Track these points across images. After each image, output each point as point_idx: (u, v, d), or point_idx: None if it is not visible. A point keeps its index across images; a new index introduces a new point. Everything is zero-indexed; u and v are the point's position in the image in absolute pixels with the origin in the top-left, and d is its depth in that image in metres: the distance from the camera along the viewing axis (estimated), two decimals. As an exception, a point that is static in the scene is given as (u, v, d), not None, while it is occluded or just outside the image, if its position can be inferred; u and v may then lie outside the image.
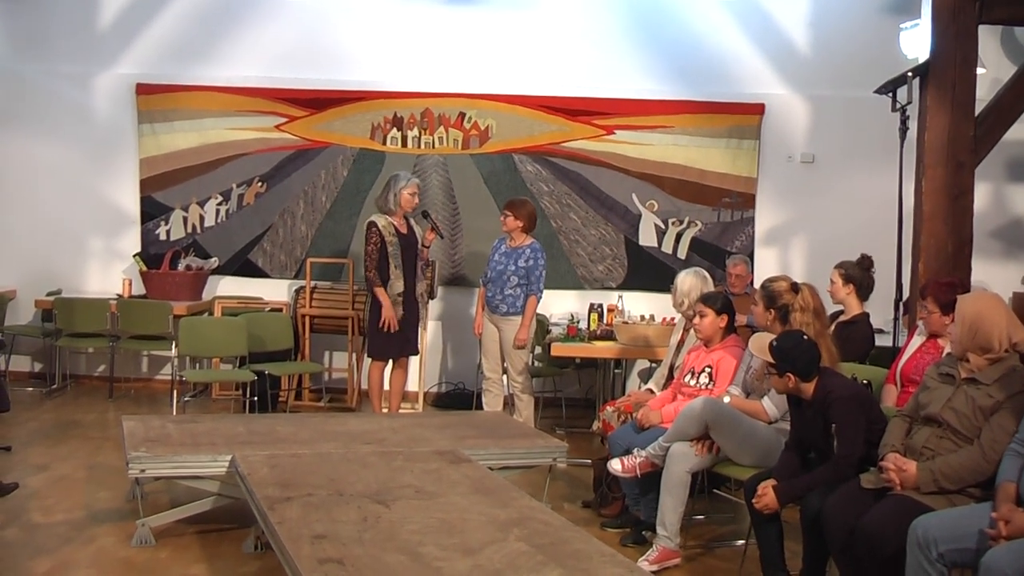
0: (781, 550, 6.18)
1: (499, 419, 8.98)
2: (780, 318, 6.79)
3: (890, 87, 8.40)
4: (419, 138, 12.54)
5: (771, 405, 6.75)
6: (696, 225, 12.40)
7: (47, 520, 7.36)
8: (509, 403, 10.35)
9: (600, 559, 4.77)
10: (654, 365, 9.64)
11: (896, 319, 8.49)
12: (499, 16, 12.41)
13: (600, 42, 12.41)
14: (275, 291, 12.66)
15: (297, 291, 12.12)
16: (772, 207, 12.42)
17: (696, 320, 7.53)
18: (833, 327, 7.76)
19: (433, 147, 12.55)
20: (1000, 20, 8.95)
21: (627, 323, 9.96)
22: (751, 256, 11.99)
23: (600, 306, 10.62)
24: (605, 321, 10.45)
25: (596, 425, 8.41)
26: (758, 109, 12.30)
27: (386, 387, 10.43)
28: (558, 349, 10.03)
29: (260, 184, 12.67)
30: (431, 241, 10.47)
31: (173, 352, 11.02)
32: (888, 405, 6.80)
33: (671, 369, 8.12)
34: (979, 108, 8.26)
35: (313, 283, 11.96)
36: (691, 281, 8.06)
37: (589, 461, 8.74)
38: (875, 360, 7.87)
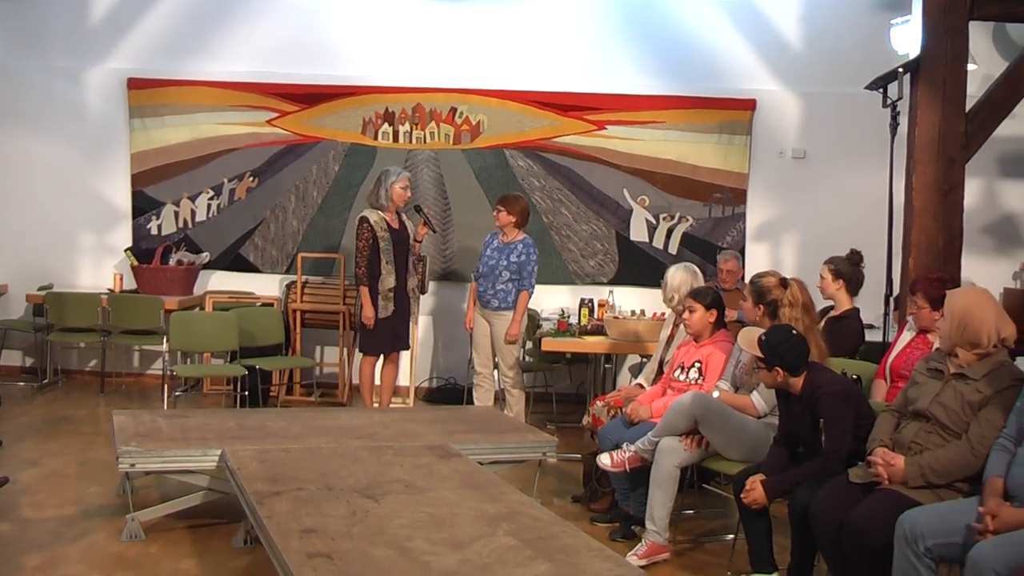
0: (770, 544, 6.20)
1: (489, 414, 8.99)
2: (769, 313, 6.79)
3: (881, 83, 8.40)
4: (410, 133, 12.54)
5: (760, 400, 6.77)
6: (687, 220, 12.40)
7: (38, 515, 7.36)
8: (500, 398, 10.36)
9: (588, 553, 4.78)
10: (644, 360, 9.64)
11: (886, 314, 8.50)
12: (490, 11, 12.40)
13: (592, 38, 12.41)
14: (266, 286, 12.65)
15: (288, 286, 12.12)
16: (763, 203, 12.43)
17: (686, 315, 7.54)
18: (823, 322, 7.78)
19: (424, 142, 12.54)
20: (991, 16, 8.96)
21: (617, 318, 9.95)
22: (742, 251, 12.03)
23: (591, 301, 10.60)
24: (596, 316, 10.44)
25: (586, 420, 8.41)
26: (749, 105, 12.31)
27: (377, 382, 10.44)
28: (549, 344, 10.02)
29: (251, 179, 12.66)
30: (423, 235, 10.49)
31: (164, 347, 11.01)
32: (878, 400, 6.81)
33: (661, 364, 8.13)
34: (970, 104, 8.27)
35: (304, 278, 11.98)
36: (681, 276, 8.08)
37: (579, 456, 8.76)
38: (865, 355, 7.87)
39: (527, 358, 11.32)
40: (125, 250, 12.42)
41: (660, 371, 8.06)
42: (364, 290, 10.07)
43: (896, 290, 8.49)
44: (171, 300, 11.60)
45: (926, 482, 5.23)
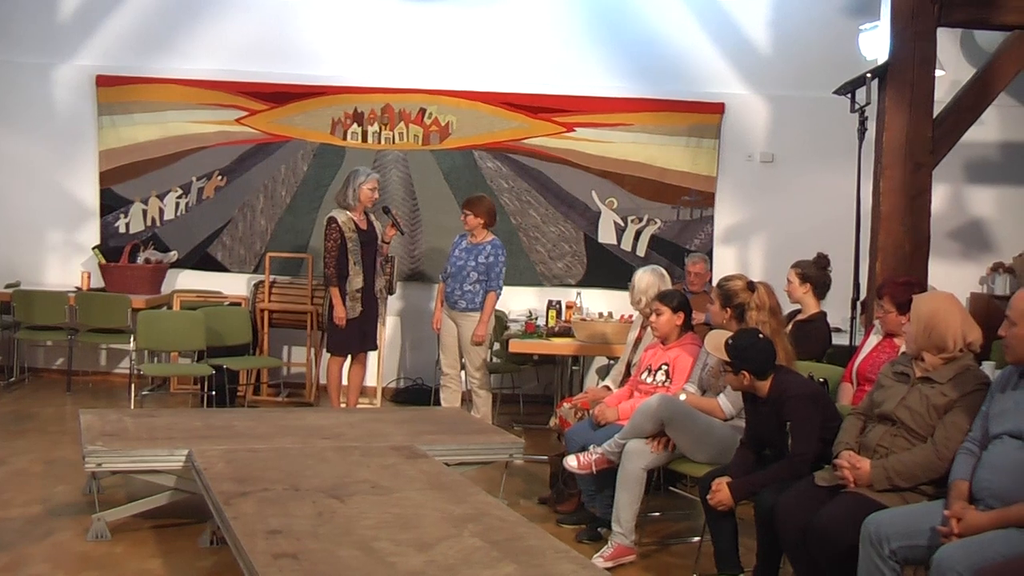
0: (736, 546, 6.22)
1: (457, 415, 9.00)
2: (736, 316, 6.81)
3: (849, 88, 8.43)
4: (379, 133, 12.53)
5: (727, 402, 6.78)
6: (655, 223, 12.44)
7: (3, 515, 7.30)
8: (467, 399, 10.36)
9: (554, 555, 4.79)
10: (612, 362, 9.66)
11: (853, 318, 8.53)
12: (460, 12, 12.41)
13: (561, 39, 12.44)
14: (234, 285, 12.62)
15: (256, 285, 12.10)
16: (731, 206, 12.48)
17: (653, 318, 7.56)
18: (791, 326, 7.79)
19: (393, 143, 12.54)
20: (959, 23, 8.98)
21: (585, 320, 9.97)
22: (710, 254, 12.05)
23: (559, 303, 10.63)
24: (563, 318, 10.46)
25: (553, 421, 8.41)
26: (718, 108, 12.35)
27: (344, 382, 10.44)
28: (516, 346, 10.02)
29: (220, 178, 12.64)
30: (391, 237, 10.48)
31: (131, 346, 10.97)
32: (844, 403, 6.83)
33: (628, 366, 8.15)
34: (938, 110, 8.30)
35: (272, 278, 11.96)
36: (648, 279, 8.10)
37: (546, 457, 8.76)
38: (832, 359, 7.90)
39: (494, 359, 11.32)
40: (93, 248, 12.38)
41: (628, 373, 8.07)
42: (335, 290, 10.06)
43: (863, 294, 8.51)
44: (139, 299, 11.59)
45: (891, 485, 5.24)
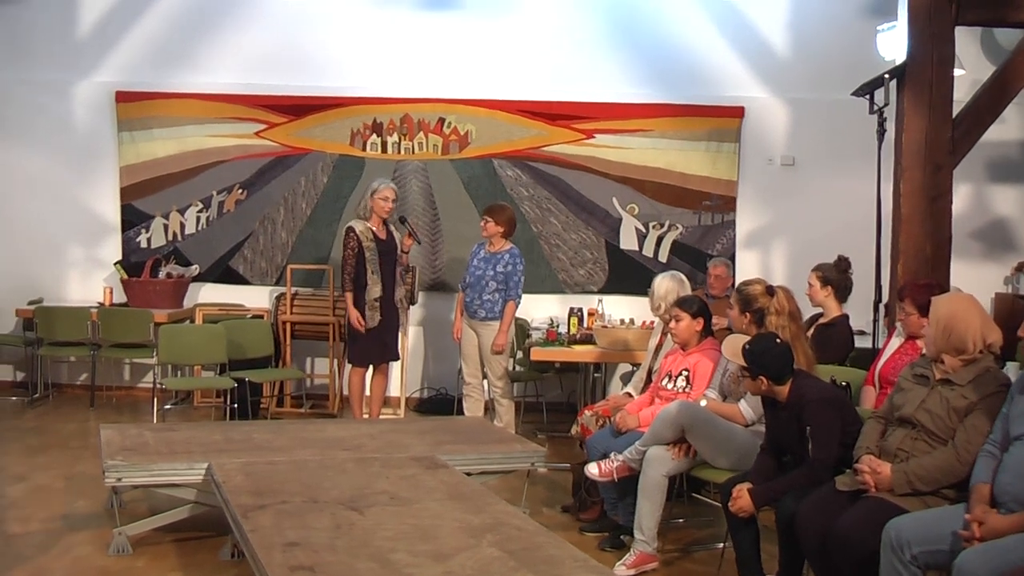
0: (757, 553, 6.18)
1: (478, 424, 8.97)
2: (756, 321, 6.77)
3: (867, 89, 8.39)
4: (399, 144, 12.53)
5: (747, 408, 6.75)
6: (677, 228, 12.41)
7: (24, 530, 7.34)
8: (490, 408, 10.34)
9: (573, 564, 4.76)
10: (635, 368, 9.64)
11: (875, 321, 8.49)
12: (478, 21, 12.41)
13: (579, 46, 12.41)
14: (256, 298, 12.64)
15: (278, 298, 12.10)
16: (752, 210, 12.44)
17: (672, 324, 7.54)
18: (812, 329, 7.77)
19: (413, 153, 12.54)
20: (976, 22, 8.95)
21: (607, 327, 9.94)
22: (732, 259, 12.02)
23: (580, 310, 10.60)
24: (585, 325, 10.44)
25: (575, 429, 8.39)
26: (738, 112, 12.32)
27: (367, 393, 10.43)
28: (538, 353, 10.02)
29: (240, 191, 12.65)
30: (409, 247, 10.48)
31: (154, 360, 10.99)
32: (867, 407, 6.79)
33: (649, 373, 8.13)
34: (957, 109, 8.26)
35: (294, 289, 11.96)
36: (667, 285, 8.09)
37: (568, 465, 8.74)
38: (855, 362, 7.86)
39: (517, 367, 11.31)
40: (115, 263, 12.42)
41: (649, 380, 8.05)
42: (348, 296, 10.10)
43: (885, 296, 8.48)
44: (161, 313, 11.60)
45: (912, 489, 5.20)
